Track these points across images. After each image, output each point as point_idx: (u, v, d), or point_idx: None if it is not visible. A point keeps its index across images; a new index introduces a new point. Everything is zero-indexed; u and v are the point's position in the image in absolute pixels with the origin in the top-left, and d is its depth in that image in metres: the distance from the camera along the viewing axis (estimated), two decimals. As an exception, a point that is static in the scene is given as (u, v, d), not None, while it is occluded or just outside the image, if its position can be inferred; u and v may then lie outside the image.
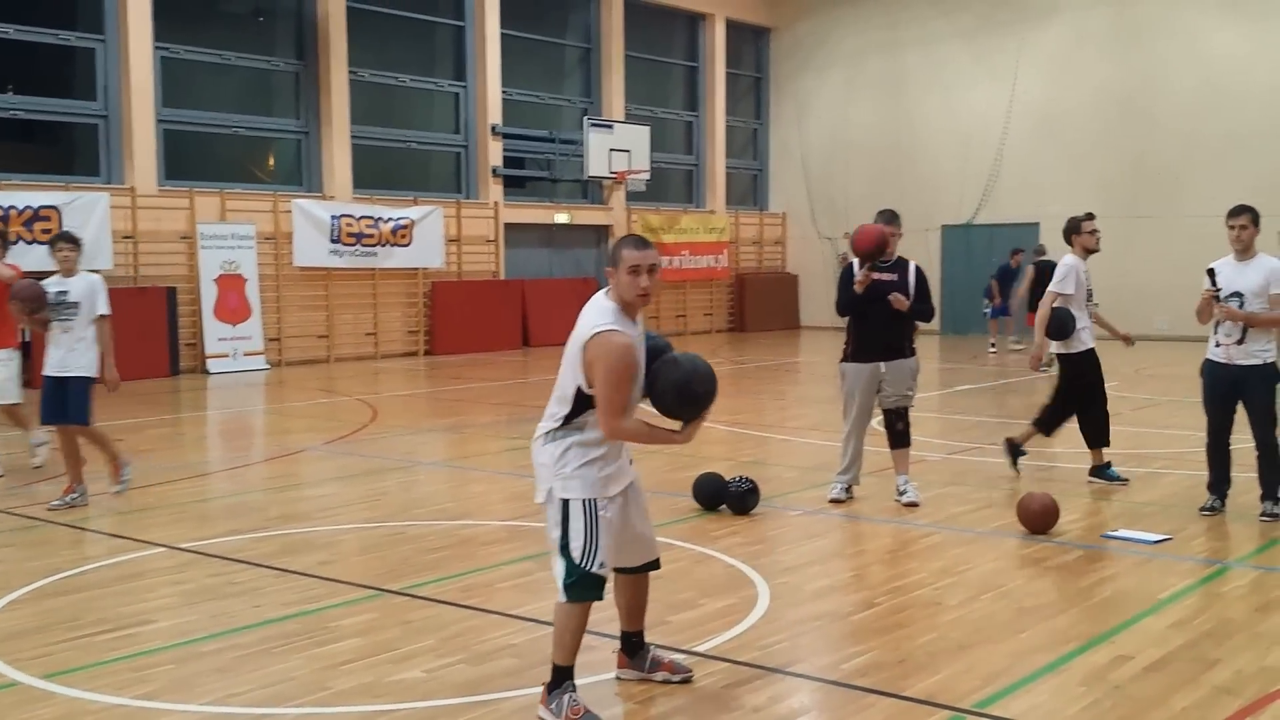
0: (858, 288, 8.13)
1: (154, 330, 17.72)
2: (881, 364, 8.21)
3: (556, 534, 4.58)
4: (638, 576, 4.89)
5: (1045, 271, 18.61)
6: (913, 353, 8.33)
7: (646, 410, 4.65)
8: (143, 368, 17.35)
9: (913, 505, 8.21)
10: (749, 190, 29.94)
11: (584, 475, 4.53)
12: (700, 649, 5.29)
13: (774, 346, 20.34)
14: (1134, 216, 23.59)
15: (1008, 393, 15.72)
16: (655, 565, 4.90)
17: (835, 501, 8.38)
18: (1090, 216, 9.37)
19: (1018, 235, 24.01)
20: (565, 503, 4.54)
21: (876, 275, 8.13)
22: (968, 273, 25.35)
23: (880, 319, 8.15)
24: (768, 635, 5.53)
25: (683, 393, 4.57)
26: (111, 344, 8.83)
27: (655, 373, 4.60)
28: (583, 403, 4.50)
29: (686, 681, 4.89)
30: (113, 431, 12.00)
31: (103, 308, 8.76)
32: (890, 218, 8.26)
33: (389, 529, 7.89)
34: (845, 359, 8.39)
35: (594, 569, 4.51)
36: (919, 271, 8.33)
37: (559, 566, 4.58)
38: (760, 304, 28.06)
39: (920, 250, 26.31)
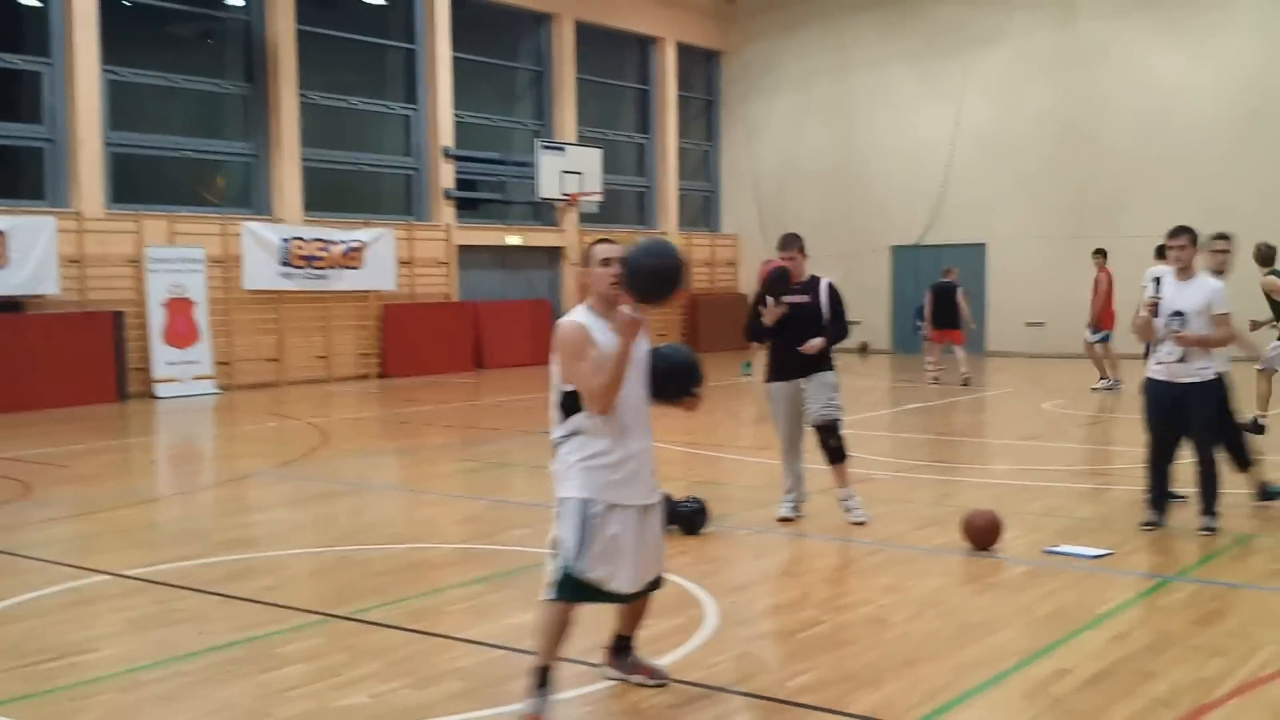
0: (766, 320, 8.23)
1: (101, 355, 17.53)
2: (800, 381, 8.29)
3: (551, 533, 4.77)
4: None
5: (946, 294, 18.91)
6: (831, 367, 8.39)
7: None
8: (90, 393, 17.21)
9: (859, 524, 8.27)
10: (701, 212, 30.10)
11: (582, 475, 4.69)
12: (634, 678, 5.29)
13: (727, 366, 20.41)
14: (1077, 237, 23.91)
15: (955, 411, 15.87)
16: (658, 584, 5.06)
17: (783, 520, 8.44)
18: (1221, 237, 8.90)
19: (965, 255, 24.29)
20: (561, 501, 4.72)
21: (788, 298, 8.22)
22: (917, 292, 25.46)
23: (795, 338, 8.19)
24: (714, 654, 5.56)
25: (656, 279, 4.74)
26: None
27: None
28: (566, 400, 4.71)
29: (661, 686, 5.04)
30: (60, 459, 11.93)
31: None
32: (789, 241, 8.35)
33: (337, 553, 7.86)
34: (767, 379, 8.49)
35: (576, 571, 4.63)
36: (831, 289, 8.39)
37: (548, 565, 4.75)
38: (713, 324, 28.14)
39: (870, 270, 26.63)
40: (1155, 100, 23.36)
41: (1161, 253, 9.83)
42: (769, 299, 8.28)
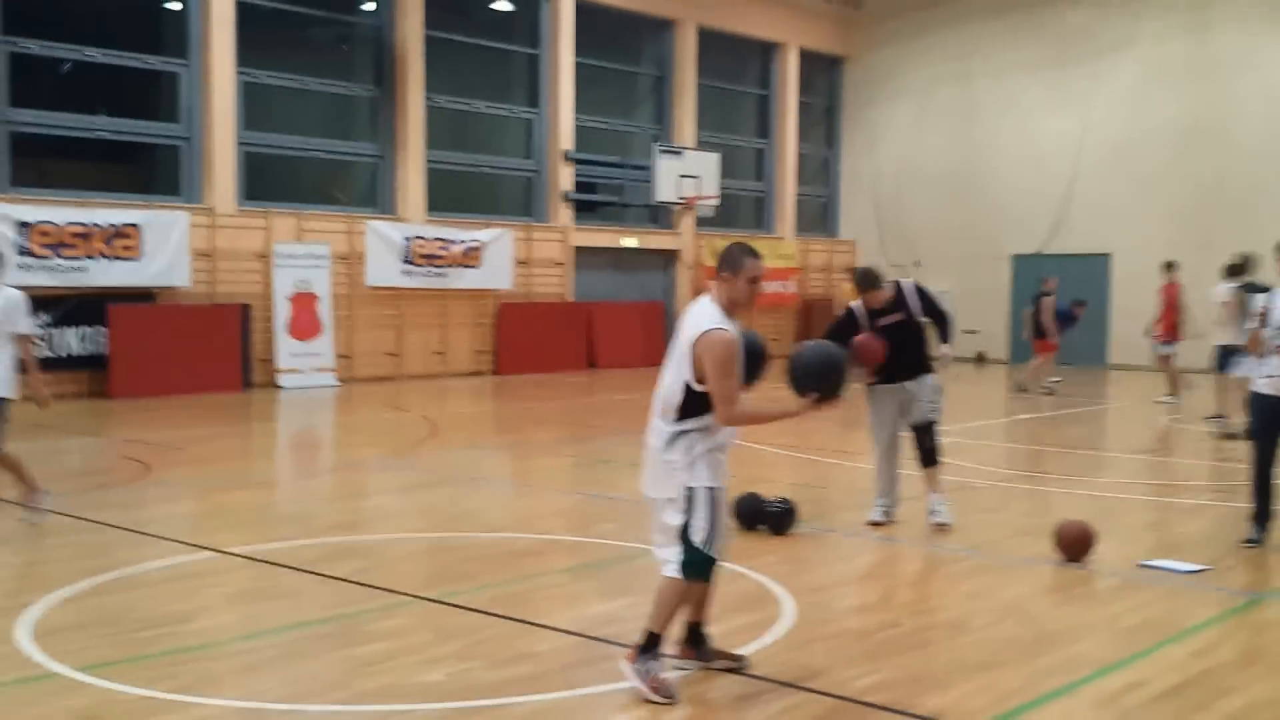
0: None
1: (228, 346, 18.19)
2: (905, 384, 8.28)
3: (679, 520, 4.96)
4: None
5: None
6: (932, 369, 8.37)
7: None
8: (216, 382, 17.86)
9: (943, 526, 8.21)
10: (818, 217, 29.95)
11: (709, 464, 4.97)
12: (717, 664, 5.37)
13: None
14: (1206, 249, 23.19)
15: (1068, 423, 15.55)
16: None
17: (874, 524, 8.42)
18: None
19: (1088, 266, 23.76)
20: (691, 490, 4.94)
21: (884, 322, 8.21)
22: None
23: (896, 343, 8.17)
24: (786, 651, 5.60)
25: (822, 368, 5.16)
26: (35, 362, 8.22)
27: (791, 359, 5.21)
28: (693, 399, 4.92)
29: (740, 670, 5.21)
30: (182, 443, 12.43)
31: (23, 327, 8.07)
32: (870, 280, 8.27)
33: (433, 539, 8.09)
34: (869, 382, 8.46)
35: (713, 551, 4.97)
36: (916, 289, 8.36)
37: (674, 551, 4.99)
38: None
39: (989, 278, 26.20)
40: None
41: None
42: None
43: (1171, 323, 17.10)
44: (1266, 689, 5.09)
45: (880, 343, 8.03)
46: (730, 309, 4.99)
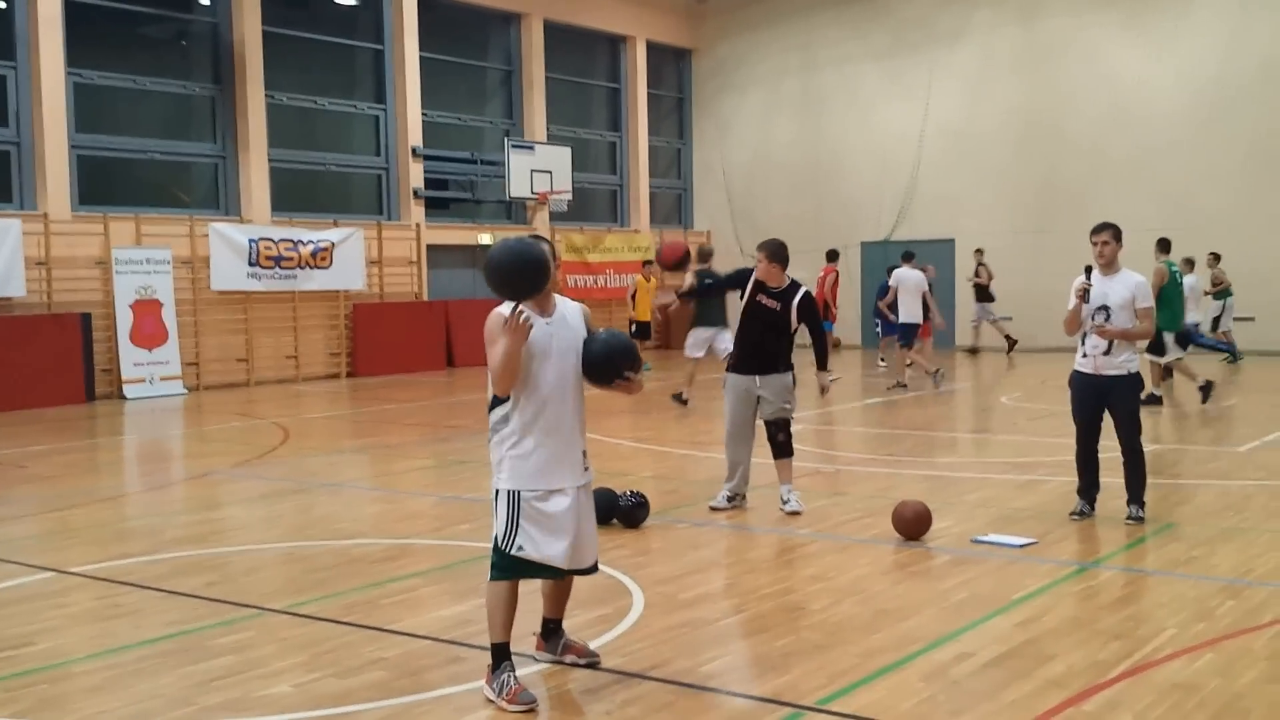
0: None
1: (69, 357, 17.63)
2: (757, 377, 8.51)
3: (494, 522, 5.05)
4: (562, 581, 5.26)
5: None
6: (789, 368, 8.63)
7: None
8: (58, 395, 17.30)
9: (795, 514, 8.47)
10: (673, 209, 30.27)
11: (510, 468, 4.97)
12: (567, 659, 5.46)
13: (701, 362, 20.55)
14: (1043, 232, 24.20)
15: (914, 405, 16.06)
16: (593, 569, 5.25)
17: (715, 509, 8.63)
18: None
19: (934, 251, 24.49)
20: (495, 492, 5.01)
21: (764, 300, 8.44)
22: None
23: (757, 335, 8.50)
24: (633, 643, 5.72)
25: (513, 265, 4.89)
26: None
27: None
28: (496, 399, 4.96)
29: (592, 666, 5.29)
30: (22, 459, 12.03)
31: None
32: (780, 253, 8.49)
33: (283, 549, 8.01)
34: (728, 369, 8.74)
35: (511, 551, 4.95)
36: (804, 302, 8.57)
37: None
38: (687, 320, 28.28)
39: (840, 266, 26.77)
40: (1119, 95, 23.64)
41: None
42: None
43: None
44: (1085, 654, 5.39)
45: (682, 246, 8.68)
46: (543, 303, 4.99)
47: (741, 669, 5.31)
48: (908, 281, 17.93)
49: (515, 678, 4.92)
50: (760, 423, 8.72)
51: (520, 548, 4.94)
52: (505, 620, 5.02)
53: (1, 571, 7.41)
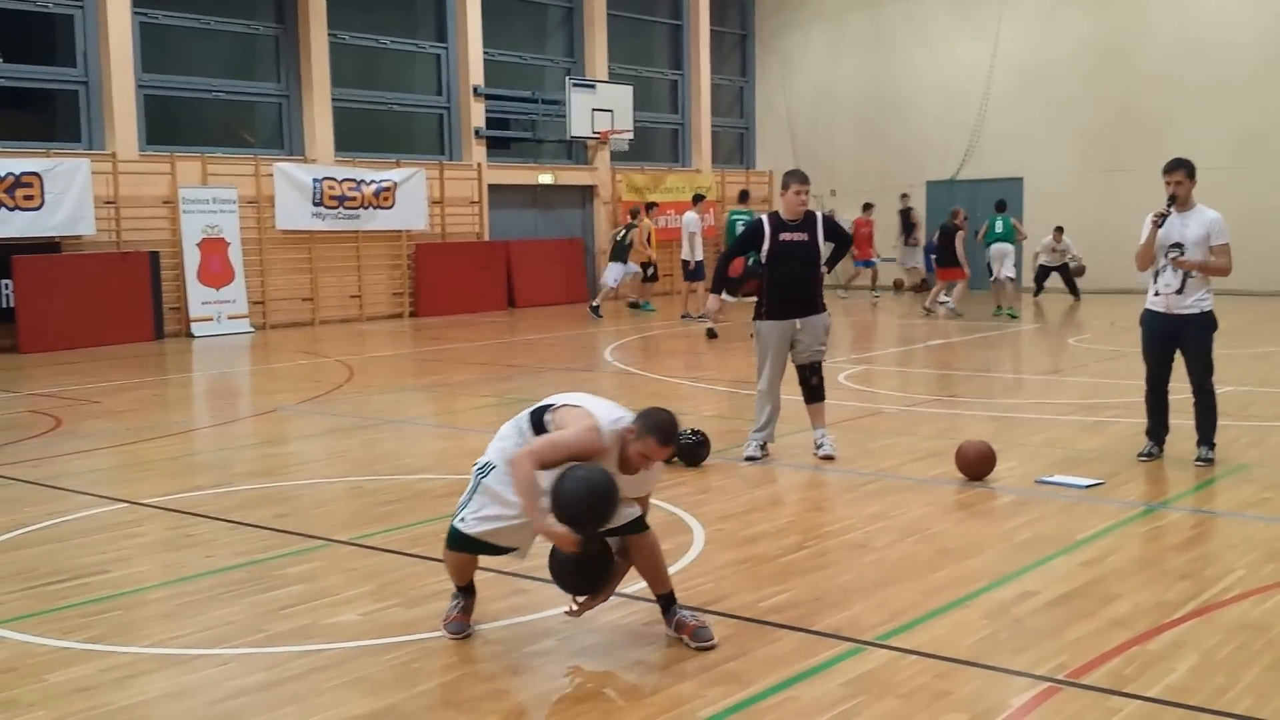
0: (711, 316, 9.63)
1: (138, 295, 17.90)
2: (797, 321, 8.37)
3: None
4: (634, 542, 4.91)
5: (947, 235, 19.59)
6: (824, 308, 8.48)
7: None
8: (127, 332, 17.60)
9: (829, 459, 8.36)
10: (735, 148, 30.00)
11: (499, 452, 4.99)
12: (628, 590, 5.49)
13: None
14: (1116, 170, 23.68)
15: (977, 347, 15.88)
16: (638, 526, 4.90)
17: (750, 459, 8.46)
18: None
19: (1001, 190, 24.08)
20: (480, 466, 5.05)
21: (787, 236, 8.31)
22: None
23: (791, 276, 8.30)
24: (694, 577, 5.75)
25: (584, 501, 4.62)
26: None
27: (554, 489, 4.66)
28: (540, 417, 4.95)
29: (703, 650, 4.80)
30: (94, 395, 12.28)
31: None
32: (798, 178, 8.29)
33: (347, 484, 8.13)
34: (759, 317, 8.47)
35: (455, 523, 4.97)
36: (827, 220, 8.51)
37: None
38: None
39: (900, 207, 26.48)
40: (1195, 26, 22.98)
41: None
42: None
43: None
44: (1151, 594, 5.34)
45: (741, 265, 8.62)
46: (623, 465, 4.80)
47: (802, 604, 5.32)
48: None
49: (459, 607, 5.04)
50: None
51: (464, 520, 4.91)
52: (455, 575, 5.10)
53: (75, 503, 7.59)
